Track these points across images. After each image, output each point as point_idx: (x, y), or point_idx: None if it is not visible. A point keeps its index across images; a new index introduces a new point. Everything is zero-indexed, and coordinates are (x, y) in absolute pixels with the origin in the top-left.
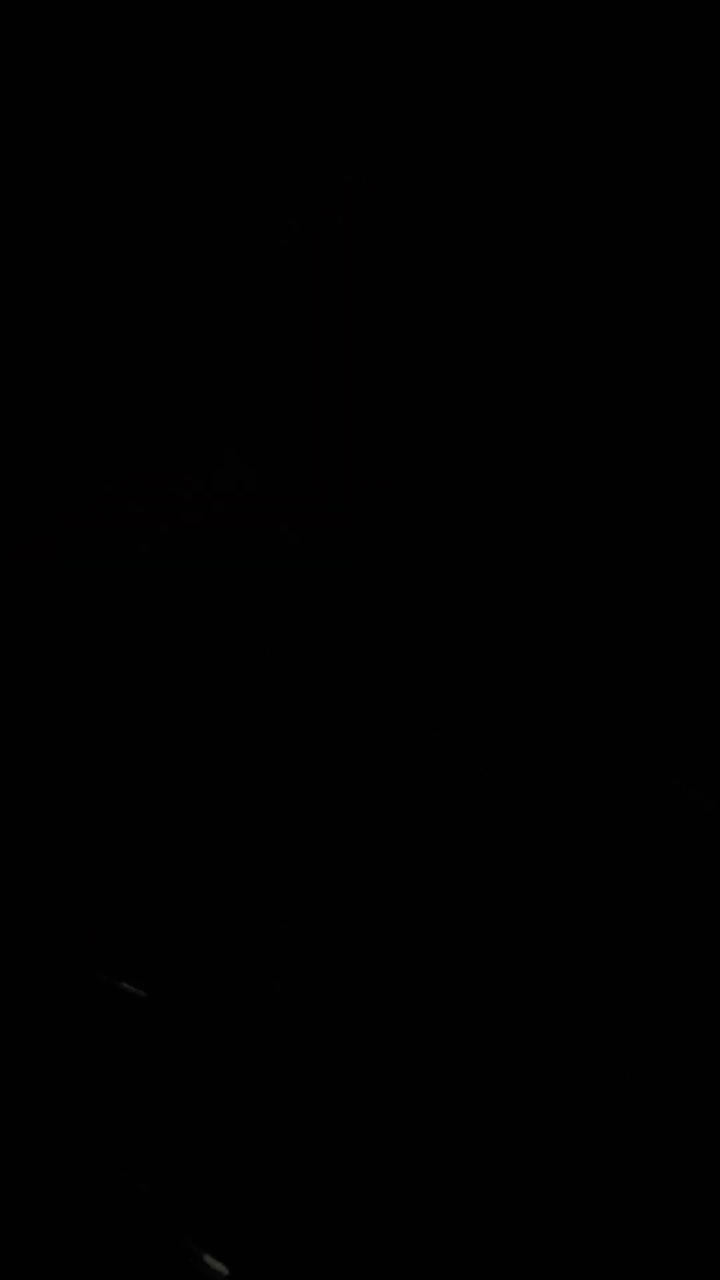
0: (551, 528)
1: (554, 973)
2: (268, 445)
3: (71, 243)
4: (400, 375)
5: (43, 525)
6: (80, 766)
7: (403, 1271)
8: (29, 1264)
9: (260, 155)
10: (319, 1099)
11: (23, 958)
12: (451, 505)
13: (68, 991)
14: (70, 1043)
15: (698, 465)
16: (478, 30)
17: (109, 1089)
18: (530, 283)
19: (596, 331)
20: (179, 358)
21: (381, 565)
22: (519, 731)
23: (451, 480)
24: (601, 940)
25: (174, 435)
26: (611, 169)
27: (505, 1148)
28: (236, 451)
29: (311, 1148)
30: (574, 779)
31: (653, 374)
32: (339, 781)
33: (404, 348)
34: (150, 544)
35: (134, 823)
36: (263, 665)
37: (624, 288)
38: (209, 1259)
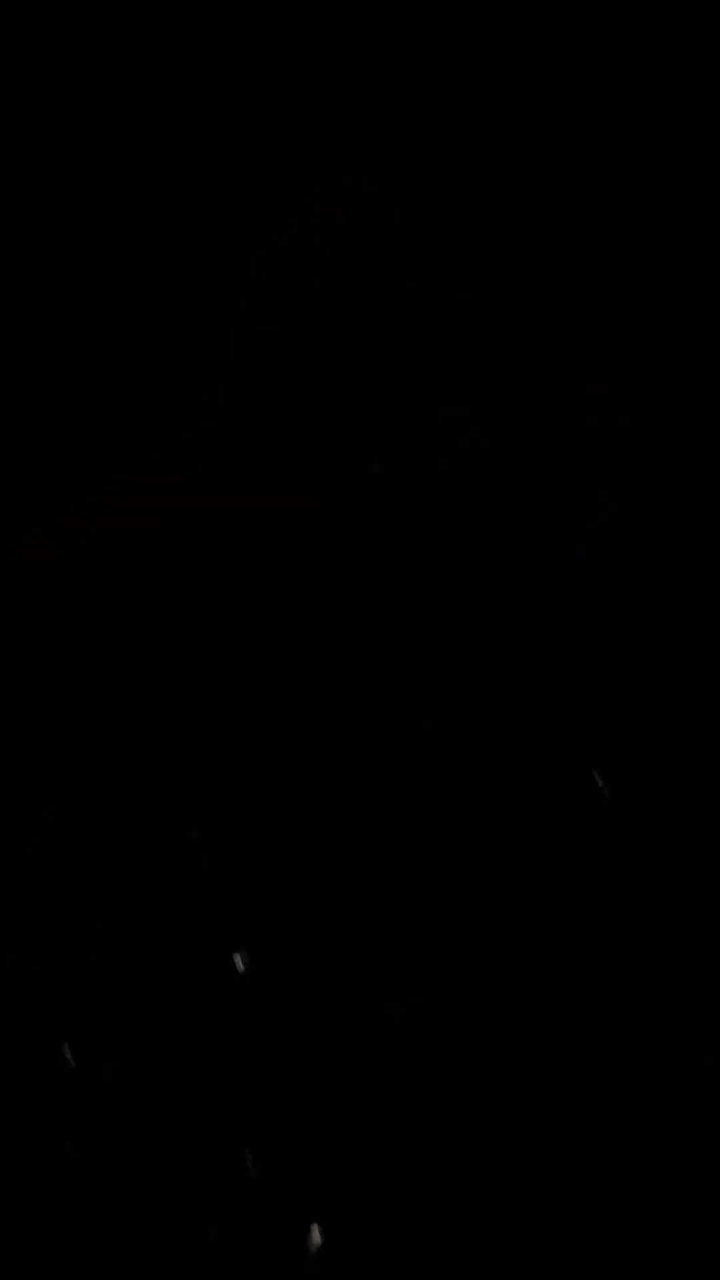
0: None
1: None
2: (267, 444)
3: (72, 244)
4: (399, 374)
5: (42, 524)
6: (79, 754)
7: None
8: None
9: (261, 155)
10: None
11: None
12: (449, 504)
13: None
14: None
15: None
16: (476, 32)
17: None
18: (530, 282)
19: (596, 330)
20: (179, 357)
21: (375, 561)
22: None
23: (450, 479)
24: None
25: (173, 435)
26: (612, 169)
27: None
28: (235, 450)
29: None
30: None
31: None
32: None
33: (403, 347)
34: (147, 540)
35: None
36: (259, 654)
37: (623, 290)
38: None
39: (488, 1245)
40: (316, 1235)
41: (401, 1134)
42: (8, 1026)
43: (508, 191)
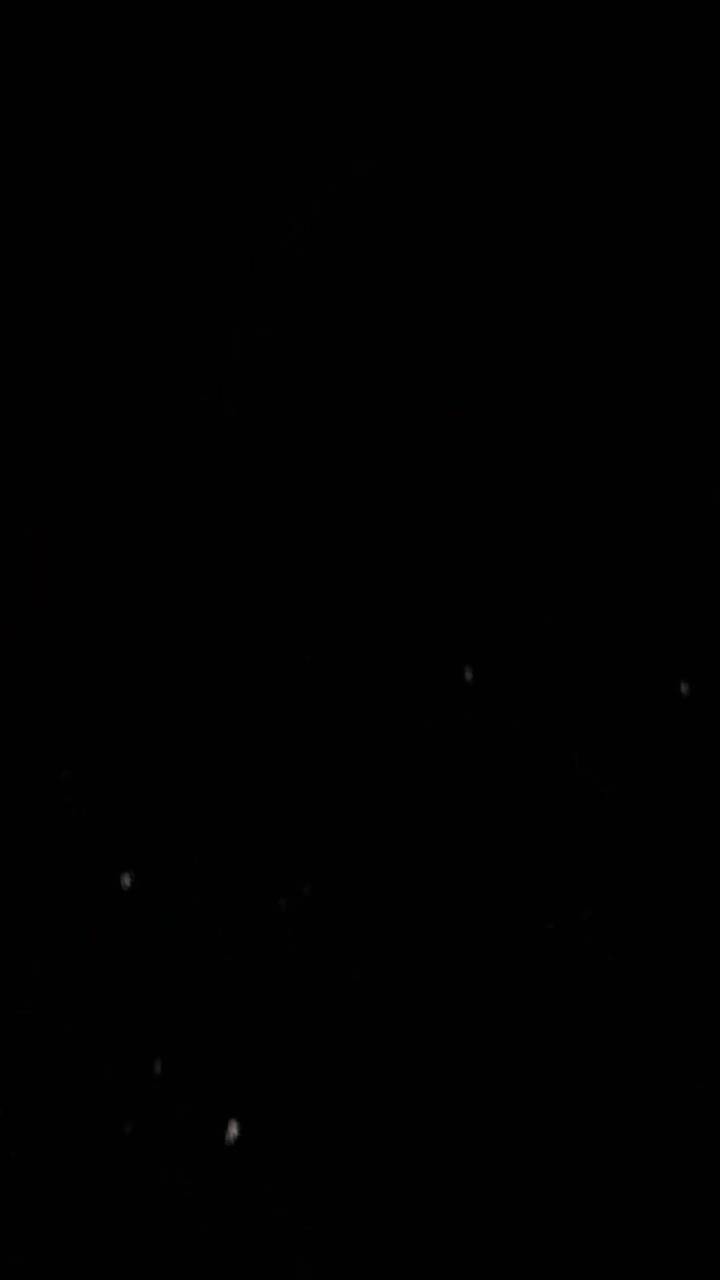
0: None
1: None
2: (267, 443)
3: (71, 244)
4: (399, 375)
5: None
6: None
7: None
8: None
9: (260, 154)
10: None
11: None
12: (447, 502)
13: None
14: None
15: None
16: (476, 30)
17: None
18: (531, 282)
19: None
20: (179, 356)
21: (375, 566)
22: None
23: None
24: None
25: (172, 435)
26: (613, 170)
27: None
28: (235, 449)
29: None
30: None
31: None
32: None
33: (404, 347)
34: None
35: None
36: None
37: (626, 290)
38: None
39: (400, 1130)
40: (234, 1129)
41: (310, 1026)
42: None
43: (511, 191)
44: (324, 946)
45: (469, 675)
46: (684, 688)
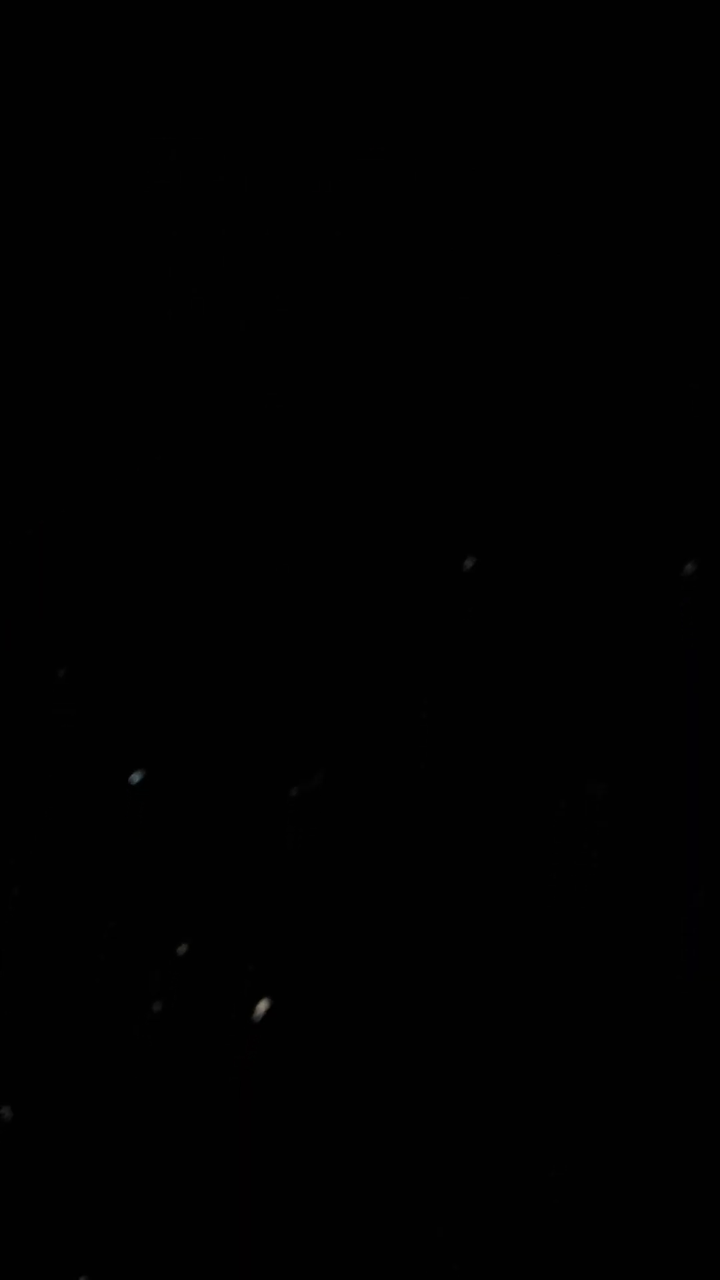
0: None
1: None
2: (267, 443)
3: (71, 243)
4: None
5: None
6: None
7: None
8: None
9: (260, 154)
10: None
11: None
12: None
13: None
14: None
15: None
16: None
17: None
18: (537, 281)
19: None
20: (178, 356)
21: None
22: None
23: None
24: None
25: (172, 434)
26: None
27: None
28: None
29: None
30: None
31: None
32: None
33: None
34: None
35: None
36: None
37: (628, 292)
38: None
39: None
40: (264, 1006)
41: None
42: None
43: (514, 190)
44: (336, 833)
45: (468, 564)
46: (689, 567)
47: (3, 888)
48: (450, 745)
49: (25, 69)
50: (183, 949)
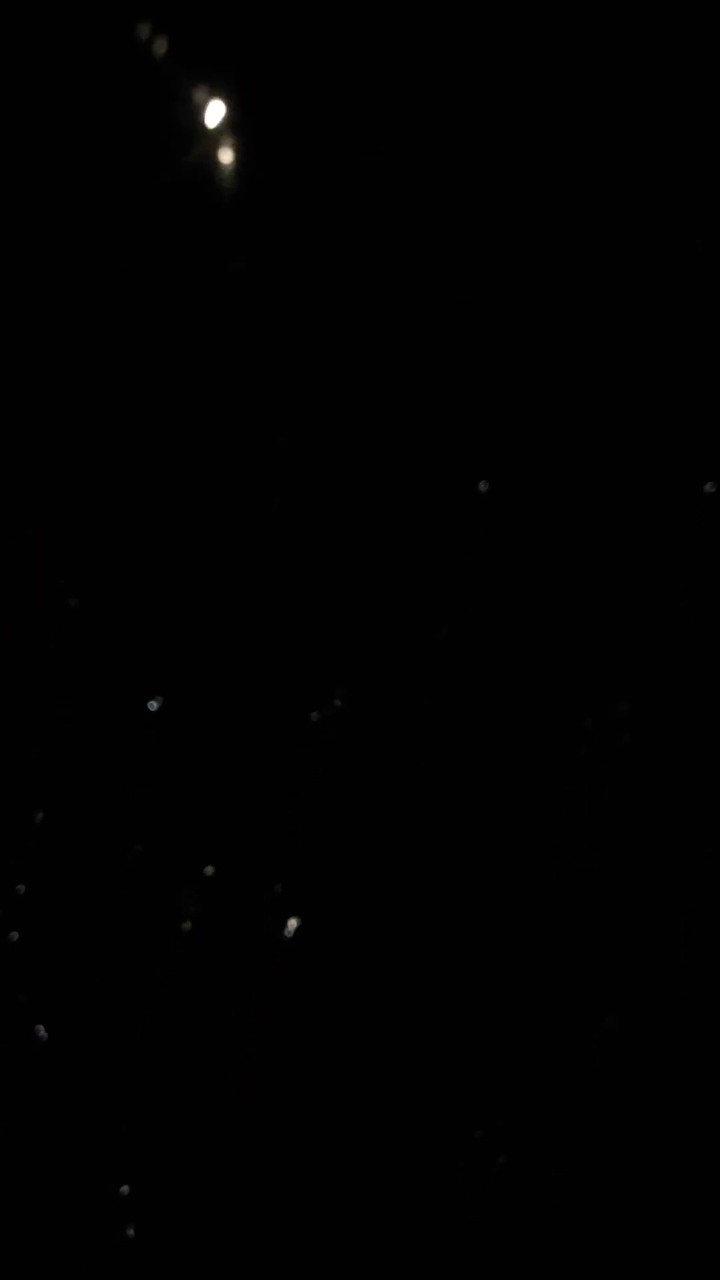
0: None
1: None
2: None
3: (71, 242)
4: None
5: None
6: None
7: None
8: None
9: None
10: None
11: None
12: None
13: None
14: None
15: None
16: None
17: None
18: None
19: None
20: (177, 356)
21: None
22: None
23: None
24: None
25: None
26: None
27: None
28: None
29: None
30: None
31: None
32: None
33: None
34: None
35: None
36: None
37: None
38: None
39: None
40: (294, 924)
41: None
42: None
43: (515, 190)
44: (357, 756)
45: (483, 487)
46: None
47: (27, 814)
48: (472, 665)
49: (25, 69)
50: (209, 870)
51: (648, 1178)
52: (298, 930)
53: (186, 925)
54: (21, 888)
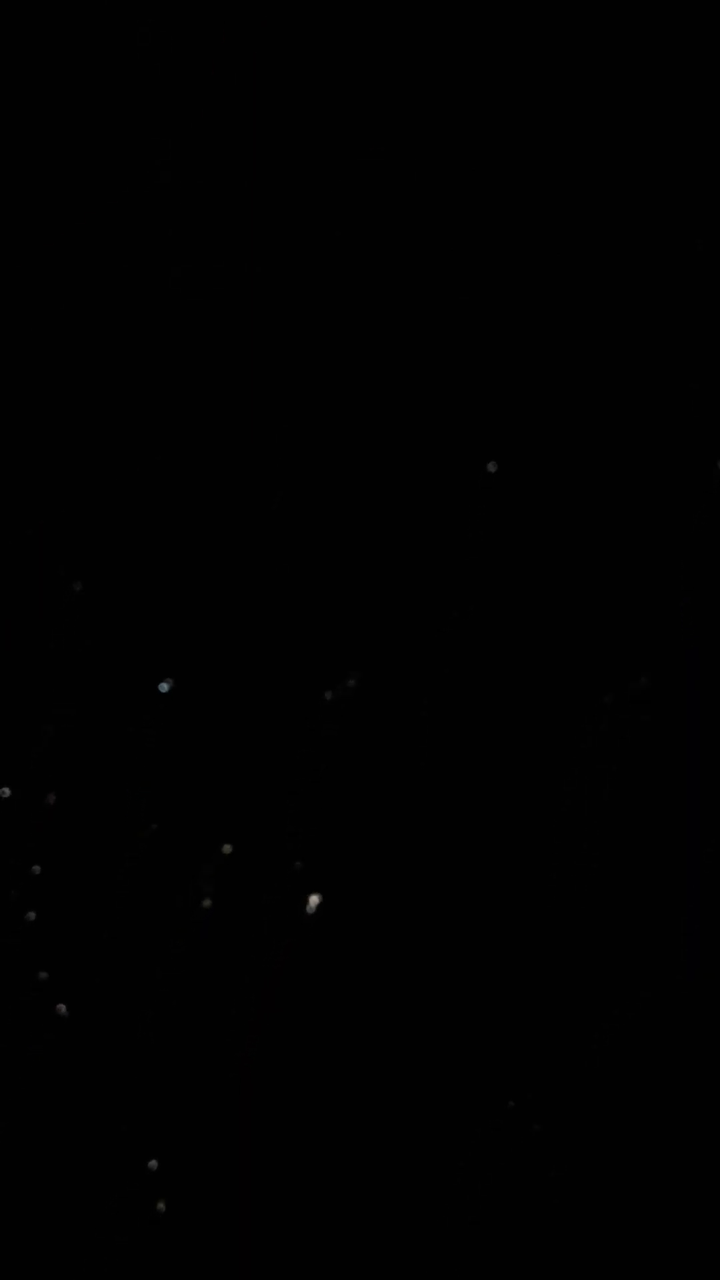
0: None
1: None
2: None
3: (70, 241)
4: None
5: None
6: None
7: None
8: None
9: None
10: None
11: None
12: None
13: None
14: None
15: None
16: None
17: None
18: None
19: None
20: (177, 356)
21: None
22: None
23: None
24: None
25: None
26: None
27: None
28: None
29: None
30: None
31: None
32: None
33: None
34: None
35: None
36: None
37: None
38: None
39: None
40: (315, 900)
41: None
42: None
43: (515, 191)
44: (371, 737)
45: (492, 468)
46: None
47: (38, 795)
48: (487, 642)
49: (24, 70)
50: (228, 849)
51: (685, 1151)
52: (319, 907)
53: (207, 903)
54: (37, 868)
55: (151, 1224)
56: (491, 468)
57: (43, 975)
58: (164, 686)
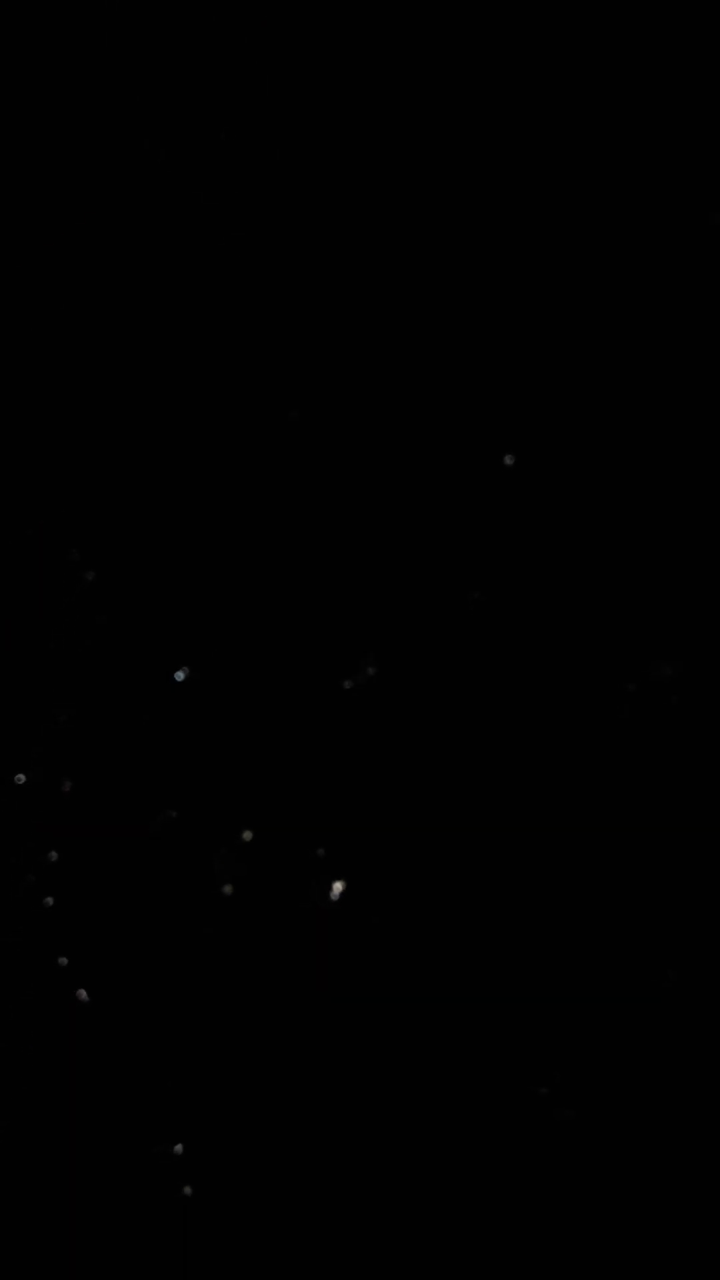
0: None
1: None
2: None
3: (71, 244)
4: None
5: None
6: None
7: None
8: None
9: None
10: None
11: None
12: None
13: None
14: None
15: None
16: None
17: None
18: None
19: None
20: (176, 357)
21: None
22: None
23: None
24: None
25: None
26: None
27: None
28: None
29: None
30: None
31: None
32: None
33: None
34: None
35: None
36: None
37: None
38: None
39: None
40: (339, 887)
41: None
42: None
43: (514, 192)
44: (390, 726)
45: (509, 461)
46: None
47: (55, 781)
48: (510, 628)
49: (24, 71)
50: (248, 835)
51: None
52: (343, 894)
53: (228, 889)
54: (54, 854)
55: (178, 1209)
56: (509, 460)
57: (62, 961)
58: (179, 675)
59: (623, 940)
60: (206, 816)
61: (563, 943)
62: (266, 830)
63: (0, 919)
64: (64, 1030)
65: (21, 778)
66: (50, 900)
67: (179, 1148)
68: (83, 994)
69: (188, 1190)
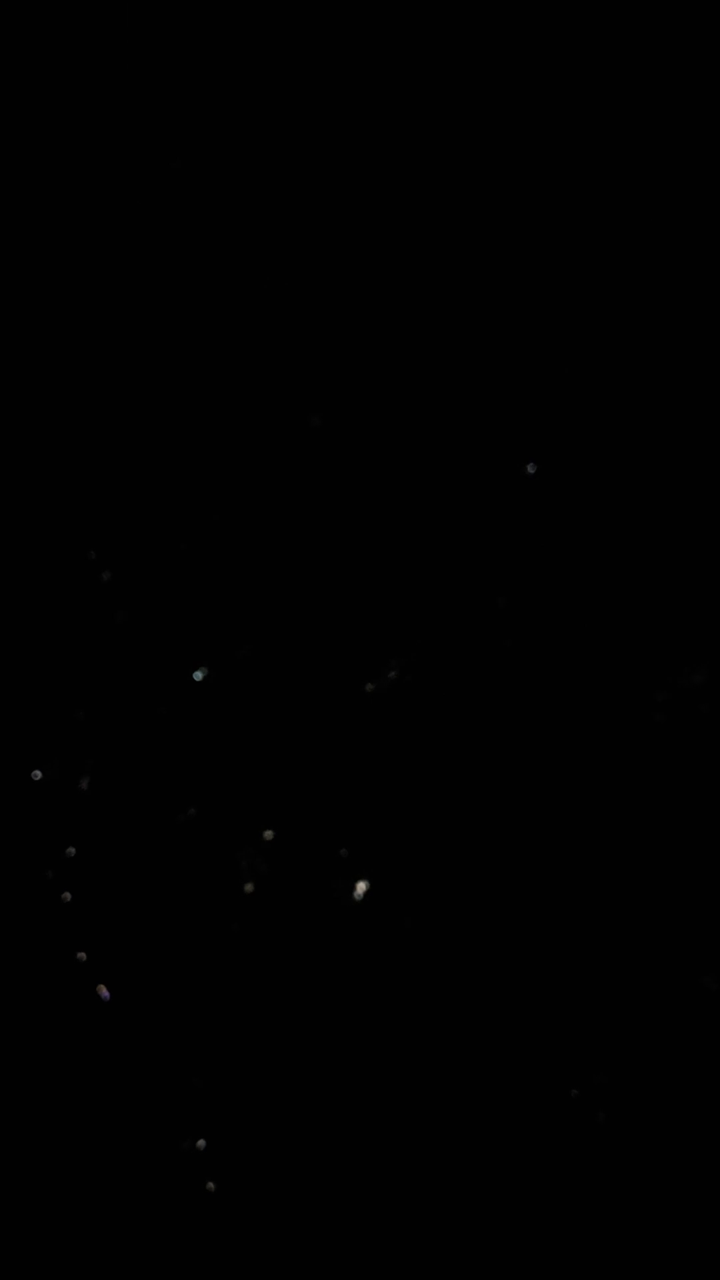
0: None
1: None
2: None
3: (71, 244)
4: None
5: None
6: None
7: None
8: None
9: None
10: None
11: None
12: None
13: None
14: None
15: None
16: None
17: None
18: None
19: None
20: (176, 357)
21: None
22: None
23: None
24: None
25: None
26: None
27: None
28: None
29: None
30: None
31: None
32: None
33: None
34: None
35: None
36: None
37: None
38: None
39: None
40: (363, 886)
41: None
42: None
43: (513, 192)
44: (413, 729)
45: (532, 469)
46: None
47: (73, 780)
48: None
49: (26, 71)
50: (269, 835)
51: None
52: (367, 893)
53: (249, 887)
54: (72, 850)
55: (200, 1203)
56: (531, 469)
57: (80, 955)
58: (198, 675)
59: (651, 944)
60: (225, 815)
61: (589, 945)
62: (288, 830)
63: (19, 914)
64: (76, 1025)
65: (38, 774)
66: (68, 896)
67: (201, 1143)
68: (104, 990)
69: (211, 1186)
